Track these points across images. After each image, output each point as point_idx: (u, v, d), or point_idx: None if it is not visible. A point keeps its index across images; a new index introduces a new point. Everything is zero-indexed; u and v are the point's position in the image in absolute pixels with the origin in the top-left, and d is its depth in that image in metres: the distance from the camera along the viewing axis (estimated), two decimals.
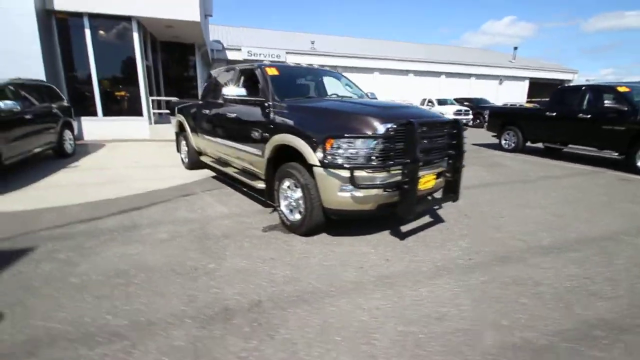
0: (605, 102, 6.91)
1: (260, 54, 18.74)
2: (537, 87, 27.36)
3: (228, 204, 4.30)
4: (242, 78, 4.39)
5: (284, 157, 3.40)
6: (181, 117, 6.04)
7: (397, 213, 2.91)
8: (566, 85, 21.02)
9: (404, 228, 3.48)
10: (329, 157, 2.81)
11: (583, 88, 7.60)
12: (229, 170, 4.57)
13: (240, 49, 18.63)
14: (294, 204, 3.29)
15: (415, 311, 2.14)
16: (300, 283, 2.42)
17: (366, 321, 2.05)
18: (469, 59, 25.27)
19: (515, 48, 28.54)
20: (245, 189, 4.45)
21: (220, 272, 2.56)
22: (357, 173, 2.75)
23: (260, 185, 3.80)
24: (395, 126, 2.75)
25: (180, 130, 6.21)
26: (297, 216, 3.27)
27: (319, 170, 2.89)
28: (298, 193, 3.20)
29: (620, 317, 2.13)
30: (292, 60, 19.61)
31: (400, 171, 2.79)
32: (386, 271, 2.60)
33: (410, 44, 28.92)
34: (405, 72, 22.90)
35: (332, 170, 2.82)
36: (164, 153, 7.98)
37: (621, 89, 6.83)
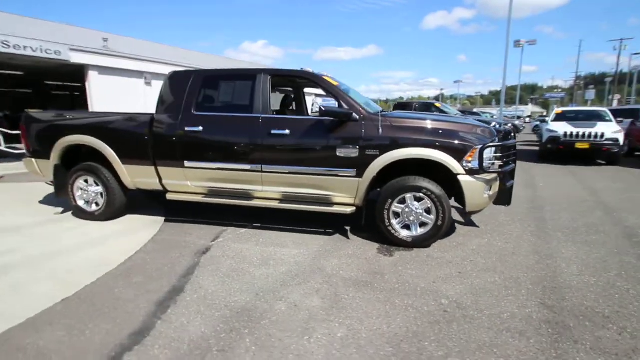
0: None
1: (24, 46, 12.99)
2: None
3: (307, 244, 3.53)
4: (266, 86, 3.55)
5: (386, 175, 3.30)
6: (89, 140, 3.89)
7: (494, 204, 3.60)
8: None
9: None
10: (474, 165, 3.12)
11: None
12: (259, 202, 3.62)
13: None
14: (412, 218, 3.29)
15: None
16: None
17: None
18: None
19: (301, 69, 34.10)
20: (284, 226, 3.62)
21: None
22: (491, 176, 3.22)
23: (347, 209, 3.40)
24: (501, 136, 3.40)
25: (75, 161, 4.14)
26: (415, 231, 3.33)
27: (465, 178, 3.15)
28: (420, 206, 3.25)
29: None
30: (78, 58, 14.93)
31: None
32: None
33: (222, 58, 28.20)
34: None
35: (479, 176, 3.15)
36: (20, 202, 4.59)
37: None
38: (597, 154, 8.70)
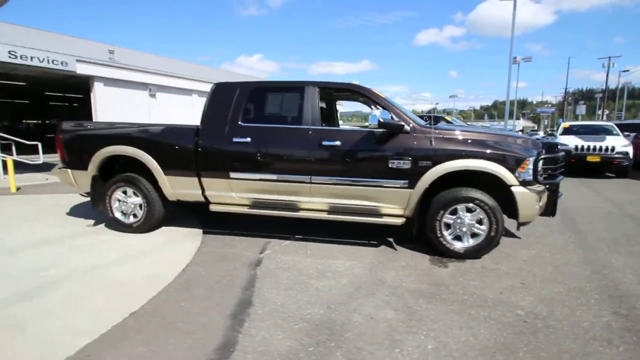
0: None
1: (32, 57, 12.97)
2: None
3: (357, 256, 3.53)
4: (314, 98, 3.59)
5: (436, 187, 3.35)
6: (131, 150, 3.86)
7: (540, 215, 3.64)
8: None
9: None
10: (526, 177, 3.18)
11: None
12: (305, 214, 3.62)
13: None
14: (464, 229, 3.32)
15: None
16: None
17: None
18: None
19: None
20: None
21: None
22: (541, 187, 3.27)
23: (398, 220, 3.41)
24: (544, 149, 3.48)
25: (110, 173, 4.15)
26: (467, 242, 3.34)
27: (519, 189, 3.19)
28: (472, 217, 3.29)
29: None
30: (84, 69, 14.93)
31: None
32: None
33: (221, 71, 28.39)
34: None
35: (531, 187, 3.20)
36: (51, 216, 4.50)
37: None
38: (607, 167, 8.91)
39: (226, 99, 3.82)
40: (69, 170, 4.25)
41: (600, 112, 39.77)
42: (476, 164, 3.24)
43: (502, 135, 3.52)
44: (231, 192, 3.81)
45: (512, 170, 3.22)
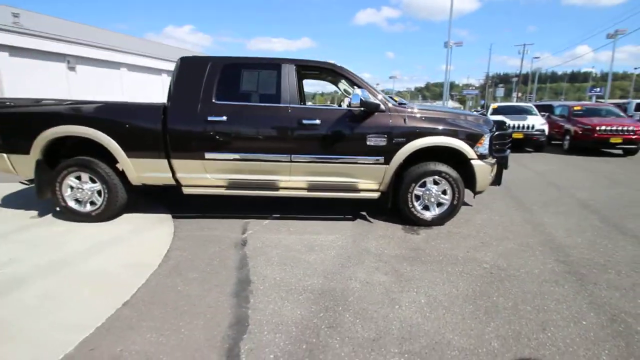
0: None
1: None
2: None
3: (338, 230, 3.69)
4: (296, 76, 3.57)
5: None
6: (85, 131, 3.48)
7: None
8: None
9: None
10: (483, 151, 3.61)
11: None
12: (285, 192, 3.67)
13: None
14: (432, 199, 3.68)
15: None
16: None
17: None
18: None
19: None
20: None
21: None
22: (493, 160, 3.75)
23: (374, 195, 3.65)
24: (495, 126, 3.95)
25: (54, 157, 3.73)
26: (434, 211, 3.72)
27: (477, 162, 3.63)
28: (438, 188, 3.66)
29: None
30: None
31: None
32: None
33: (152, 42, 25.52)
34: (159, 71, 20.57)
35: (486, 160, 3.65)
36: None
37: None
38: (527, 143, 10.33)
39: (196, 75, 3.59)
40: (5, 155, 3.65)
41: (514, 94, 45.15)
42: (443, 140, 3.59)
43: (462, 115, 3.92)
44: (206, 174, 3.67)
45: (472, 146, 3.63)
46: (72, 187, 3.69)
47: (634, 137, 8.85)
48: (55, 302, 2.29)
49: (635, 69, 56.80)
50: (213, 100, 3.56)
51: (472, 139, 3.64)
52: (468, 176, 3.72)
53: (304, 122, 3.54)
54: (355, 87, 3.75)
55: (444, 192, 3.72)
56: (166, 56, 21.70)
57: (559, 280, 2.66)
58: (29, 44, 13.95)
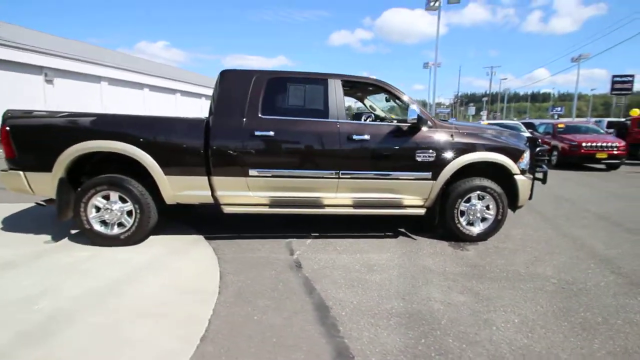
0: None
1: None
2: None
3: (385, 248, 3.57)
4: (339, 91, 3.51)
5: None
6: (120, 147, 3.21)
7: None
8: None
9: None
10: (524, 166, 3.70)
11: None
12: (330, 210, 3.55)
13: None
14: (478, 215, 3.69)
15: None
16: None
17: None
18: (174, 75, 25.58)
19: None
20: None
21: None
22: (530, 176, 3.84)
23: (420, 211, 3.61)
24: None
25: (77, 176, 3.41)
26: (478, 226, 3.73)
27: (520, 178, 3.68)
28: (482, 204, 3.66)
29: None
30: None
31: None
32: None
33: (132, 57, 24.66)
34: (140, 85, 19.88)
35: (528, 175, 3.71)
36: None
37: None
38: None
39: (240, 89, 3.44)
40: (21, 173, 3.27)
41: (484, 112, 47.84)
42: (490, 156, 3.63)
43: (501, 131, 4.01)
44: (249, 192, 3.46)
45: (515, 161, 3.70)
46: (98, 208, 3.36)
47: (616, 152, 9.53)
48: (118, 342, 1.99)
49: (592, 90, 62.10)
50: (259, 115, 3.41)
51: (515, 155, 3.71)
52: (509, 191, 3.78)
53: (354, 137, 3.46)
54: (397, 100, 3.77)
55: (487, 208, 3.75)
56: (148, 71, 21.14)
57: (628, 292, 2.69)
58: (4, 54, 13.09)
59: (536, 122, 13.49)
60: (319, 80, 3.58)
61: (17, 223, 4.09)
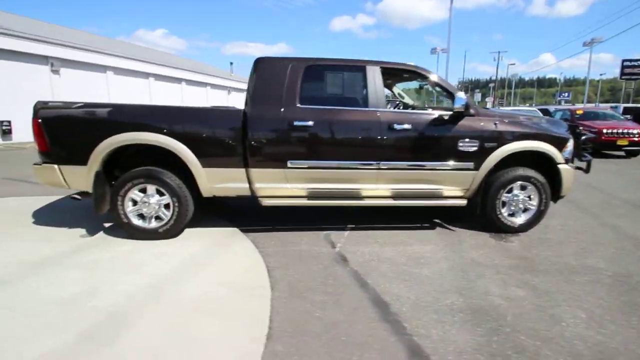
0: None
1: None
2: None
3: (427, 240, 3.51)
4: (378, 78, 3.38)
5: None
6: (156, 139, 3.11)
7: None
8: None
9: None
10: (567, 155, 3.59)
11: None
12: (369, 202, 3.46)
13: None
14: (520, 205, 3.60)
15: None
16: None
17: None
18: (179, 64, 25.17)
19: (231, 63, 32.30)
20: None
21: None
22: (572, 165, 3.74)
23: (462, 202, 3.53)
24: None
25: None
26: (520, 217, 3.65)
27: (564, 167, 3.57)
28: (525, 193, 3.59)
29: None
30: None
31: None
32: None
33: (136, 46, 24.20)
34: (146, 74, 19.62)
35: (571, 164, 3.60)
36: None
37: None
38: None
39: (276, 77, 3.31)
40: (55, 166, 3.20)
41: (490, 99, 47.20)
42: (534, 144, 3.51)
43: (551, 120, 3.88)
44: (286, 183, 3.39)
45: (560, 150, 3.59)
46: (135, 201, 3.29)
47: (637, 139, 9.35)
48: (186, 341, 1.93)
49: (601, 75, 60.94)
50: (297, 104, 3.30)
51: (560, 144, 3.59)
52: (551, 181, 3.68)
53: (395, 126, 3.35)
54: (437, 87, 3.64)
55: (529, 198, 3.65)
56: (153, 59, 20.82)
57: None
58: (11, 45, 12.87)
59: (551, 108, 13.22)
60: (357, 67, 3.44)
61: (47, 217, 4.04)
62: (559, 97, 46.46)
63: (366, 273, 2.77)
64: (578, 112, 10.80)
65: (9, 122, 13.20)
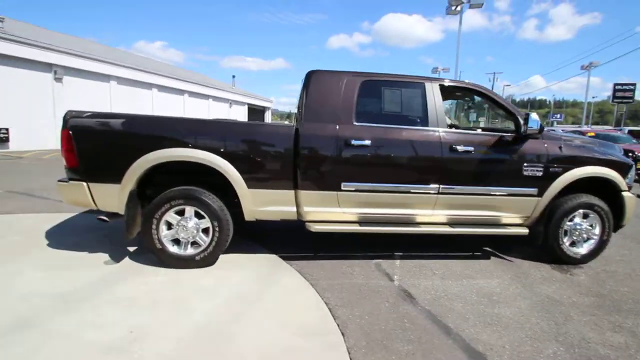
0: None
1: None
2: (252, 112, 32.55)
3: (488, 272, 3.21)
4: (438, 96, 3.17)
5: None
6: (200, 156, 2.82)
7: None
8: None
9: None
10: (629, 182, 3.41)
11: None
12: (426, 228, 3.19)
13: None
14: (584, 235, 3.37)
15: None
16: None
17: None
18: (182, 76, 25.03)
19: (234, 76, 32.41)
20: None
21: None
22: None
23: (523, 230, 3.29)
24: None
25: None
26: (582, 248, 3.40)
27: (627, 194, 3.37)
28: (587, 222, 3.36)
29: None
30: None
31: None
32: None
33: (137, 56, 24.02)
34: (149, 85, 19.35)
35: (632, 191, 3.40)
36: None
37: None
38: None
39: (330, 93, 3.07)
40: (84, 184, 2.86)
41: (482, 119, 48.04)
42: (600, 171, 3.30)
43: (612, 144, 3.70)
44: (338, 207, 3.10)
45: (624, 176, 3.40)
46: (170, 225, 2.95)
47: None
48: None
49: (594, 97, 62.71)
50: (354, 122, 3.05)
51: (624, 169, 3.40)
52: (614, 209, 3.45)
53: (458, 148, 3.12)
54: (499, 108, 3.43)
55: (591, 226, 3.42)
56: (157, 70, 20.61)
57: None
58: (15, 51, 12.51)
59: (558, 129, 13.29)
60: (416, 84, 3.22)
61: (62, 237, 3.64)
62: (551, 118, 47.46)
63: (442, 314, 2.46)
64: (590, 134, 10.80)
65: (7, 129, 12.70)
